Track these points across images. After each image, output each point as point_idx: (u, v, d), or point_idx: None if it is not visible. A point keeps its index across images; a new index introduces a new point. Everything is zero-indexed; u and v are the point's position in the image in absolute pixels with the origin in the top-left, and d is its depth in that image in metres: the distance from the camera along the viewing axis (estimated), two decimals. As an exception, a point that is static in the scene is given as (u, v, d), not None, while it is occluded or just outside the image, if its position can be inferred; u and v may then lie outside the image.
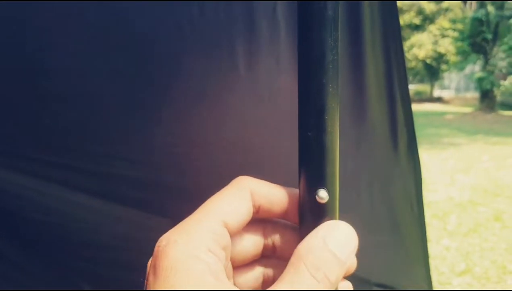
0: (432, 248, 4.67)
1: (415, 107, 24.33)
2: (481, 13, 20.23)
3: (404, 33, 26.99)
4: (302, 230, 0.43)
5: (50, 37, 0.80)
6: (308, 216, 0.42)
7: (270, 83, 0.81)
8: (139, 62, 0.94)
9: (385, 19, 0.77)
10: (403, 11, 25.50)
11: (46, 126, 1.00)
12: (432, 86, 31.60)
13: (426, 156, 10.32)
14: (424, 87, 32.97)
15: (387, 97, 0.87)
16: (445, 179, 7.80)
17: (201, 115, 1.01)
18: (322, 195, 0.41)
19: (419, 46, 26.09)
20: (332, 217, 0.41)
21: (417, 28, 26.54)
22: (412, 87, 34.25)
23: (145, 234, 1.58)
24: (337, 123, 0.41)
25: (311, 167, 0.41)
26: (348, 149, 0.98)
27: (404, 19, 25.70)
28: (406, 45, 26.57)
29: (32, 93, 0.93)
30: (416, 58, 26.75)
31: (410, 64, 28.35)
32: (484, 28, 20.20)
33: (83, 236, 1.47)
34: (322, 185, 0.41)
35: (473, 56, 22.12)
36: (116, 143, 1.07)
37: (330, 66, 0.39)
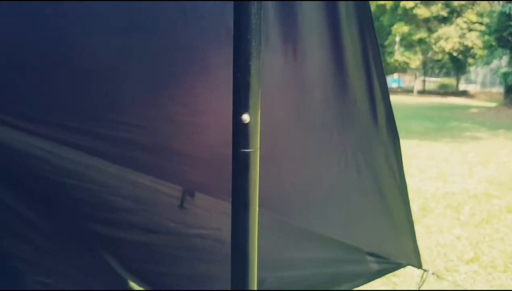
0: (443, 237, 4.74)
1: (440, 100, 24.01)
2: (508, 7, 19.79)
3: (432, 25, 26.58)
4: (234, 146, 0.62)
5: (82, 21, 0.95)
6: (236, 135, 0.62)
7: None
8: (155, 46, 1.08)
9: (358, 4, 0.88)
10: (430, 3, 25.14)
11: (72, 96, 1.14)
12: (458, 79, 31.12)
13: (447, 148, 10.29)
14: (450, 81, 32.49)
15: (364, 75, 0.99)
16: (463, 171, 7.81)
17: (204, 88, 1.15)
18: (245, 117, 0.60)
19: (446, 39, 25.71)
20: (253, 135, 0.57)
21: (444, 20, 26.12)
22: (438, 80, 33.74)
23: (157, 198, 1.73)
24: (259, 67, 0.59)
25: (239, 98, 0.59)
26: (333, 120, 1.11)
27: (431, 11, 25.33)
28: (433, 37, 26.23)
29: (63, 66, 1.07)
30: (443, 50, 26.38)
31: (437, 56, 27.96)
32: (511, 22, 19.78)
33: (98, 197, 1.63)
34: (246, 110, 0.60)
35: (499, 50, 21.67)
36: (131, 112, 1.21)
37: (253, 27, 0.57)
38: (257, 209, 0.67)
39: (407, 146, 10.52)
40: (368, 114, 1.06)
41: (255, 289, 0.68)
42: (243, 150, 0.62)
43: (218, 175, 1.50)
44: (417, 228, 4.95)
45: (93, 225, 1.81)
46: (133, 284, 2.13)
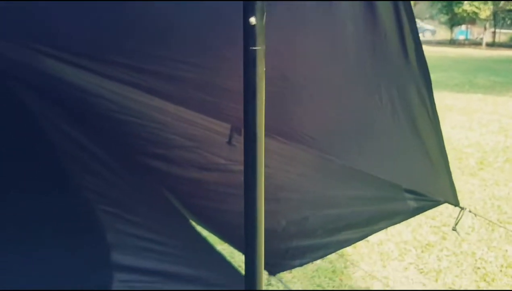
0: (499, 190, 4.68)
1: (510, 53, 22.59)
2: None
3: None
4: (244, 45, 0.78)
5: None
6: (246, 35, 0.77)
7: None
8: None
9: None
10: None
11: (127, 35, 1.27)
12: (531, 31, 29.10)
13: (512, 103, 9.90)
14: (522, 33, 30.40)
15: (392, 6, 1.05)
16: (527, 126, 7.53)
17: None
18: (252, 20, 0.75)
19: (520, -13, 23.93)
20: (260, 35, 0.75)
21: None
22: (510, 32, 31.66)
23: (211, 136, 1.87)
24: None
25: (247, 4, 0.74)
26: (365, 53, 1.18)
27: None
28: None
29: (120, 8, 1.20)
30: (516, -1, 24.61)
31: (509, 6, 26.16)
32: None
33: (157, 135, 1.78)
34: (253, 14, 0.75)
35: None
36: (183, 50, 1.32)
37: None
38: (264, 96, 0.84)
39: (470, 99, 10.17)
40: (398, 46, 1.13)
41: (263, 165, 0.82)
42: (251, 48, 0.78)
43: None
44: (473, 181, 4.91)
45: (153, 161, 1.98)
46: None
